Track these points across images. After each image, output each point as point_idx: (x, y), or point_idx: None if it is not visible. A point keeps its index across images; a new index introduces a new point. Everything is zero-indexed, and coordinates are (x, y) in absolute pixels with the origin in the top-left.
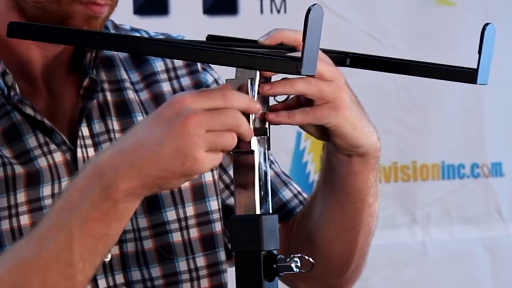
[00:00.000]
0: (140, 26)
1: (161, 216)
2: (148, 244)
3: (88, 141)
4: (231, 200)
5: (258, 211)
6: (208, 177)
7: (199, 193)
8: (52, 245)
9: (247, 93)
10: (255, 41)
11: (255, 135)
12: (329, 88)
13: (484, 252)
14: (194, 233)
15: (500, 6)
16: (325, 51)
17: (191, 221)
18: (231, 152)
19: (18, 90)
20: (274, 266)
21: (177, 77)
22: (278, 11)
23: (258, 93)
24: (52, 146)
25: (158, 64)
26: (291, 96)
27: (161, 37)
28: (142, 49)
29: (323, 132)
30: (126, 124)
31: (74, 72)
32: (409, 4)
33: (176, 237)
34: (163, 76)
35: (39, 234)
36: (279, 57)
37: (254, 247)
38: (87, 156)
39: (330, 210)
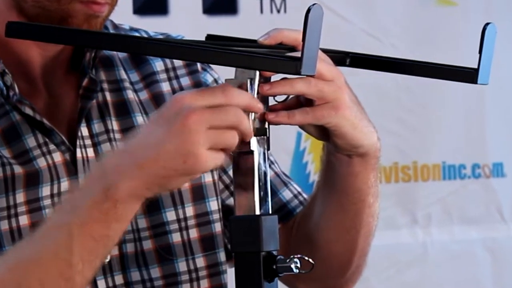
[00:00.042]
0: (140, 26)
1: (160, 217)
2: (148, 244)
3: (88, 141)
4: (231, 201)
5: (257, 212)
6: (207, 178)
7: (198, 193)
8: (51, 244)
9: None
10: (254, 41)
11: (254, 135)
12: (329, 88)
13: (485, 253)
14: (193, 233)
15: (501, 6)
16: (325, 51)
17: (191, 222)
18: (230, 153)
19: (17, 90)
20: (274, 267)
21: (177, 77)
22: (278, 11)
23: (258, 93)
24: (51, 146)
25: (158, 64)
26: (290, 96)
27: (161, 37)
28: (141, 49)
29: (323, 132)
30: (125, 124)
31: (73, 72)
32: (410, 3)
33: (176, 237)
34: (163, 76)
35: (40, 234)
36: (279, 57)
37: (254, 247)
38: (87, 156)
39: (330, 211)
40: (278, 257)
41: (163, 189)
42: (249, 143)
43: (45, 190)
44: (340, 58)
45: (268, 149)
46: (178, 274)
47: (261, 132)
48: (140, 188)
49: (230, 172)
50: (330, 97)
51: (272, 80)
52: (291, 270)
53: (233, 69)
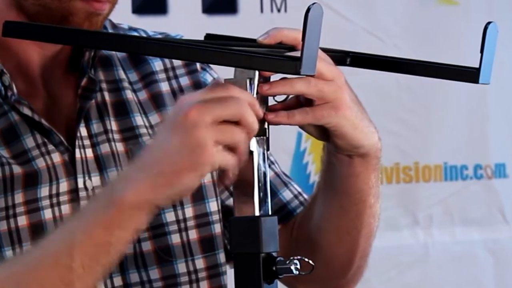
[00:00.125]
0: (139, 25)
1: (159, 218)
2: (147, 246)
3: (86, 142)
4: (230, 201)
5: (257, 213)
6: (207, 178)
7: (198, 194)
8: (53, 249)
9: None
10: (254, 40)
11: (254, 136)
12: (329, 88)
13: (487, 254)
14: (193, 234)
15: (503, 5)
16: (325, 50)
17: (190, 223)
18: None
19: (15, 90)
20: (274, 268)
21: (176, 77)
22: (279, 10)
23: (257, 93)
24: (50, 147)
25: (157, 64)
26: (290, 96)
27: (160, 36)
28: (140, 48)
29: (323, 133)
30: (124, 124)
31: (72, 71)
32: (411, 2)
33: (175, 238)
34: (162, 75)
35: (45, 239)
36: (278, 57)
37: (253, 249)
38: (85, 157)
39: (331, 212)
40: (278, 258)
41: (172, 191)
42: (248, 143)
43: (44, 191)
44: (341, 57)
45: (268, 149)
46: (178, 275)
47: (260, 133)
48: (147, 192)
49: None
50: (330, 97)
51: (271, 80)
52: (291, 271)
53: (233, 69)
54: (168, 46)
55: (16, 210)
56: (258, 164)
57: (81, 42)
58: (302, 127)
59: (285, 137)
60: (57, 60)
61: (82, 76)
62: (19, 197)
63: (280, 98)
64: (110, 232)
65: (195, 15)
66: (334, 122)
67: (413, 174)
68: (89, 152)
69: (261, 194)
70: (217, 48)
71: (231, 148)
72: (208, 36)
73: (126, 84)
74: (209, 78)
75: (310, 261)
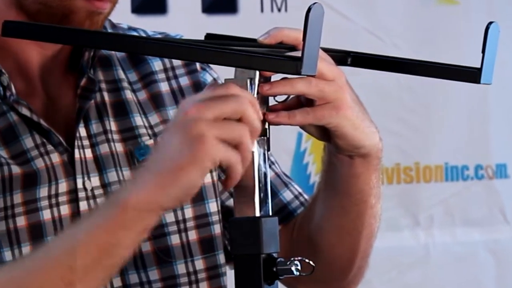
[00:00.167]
0: (138, 25)
1: (159, 219)
2: (146, 246)
3: (86, 142)
4: (230, 202)
5: (257, 213)
6: (207, 179)
7: (198, 195)
8: (56, 250)
9: None
10: (254, 40)
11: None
12: (330, 88)
13: (488, 255)
14: (192, 235)
15: (504, 5)
16: (326, 50)
17: (190, 224)
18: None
19: (14, 91)
20: (274, 269)
21: (176, 77)
22: (279, 10)
23: (258, 93)
24: (49, 147)
25: (156, 64)
26: (291, 96)
27: (159, 36)
28: (140, 48)
29: (324, 133)
30: (123, 124)
31: (71, 71)
32: (412, 2)
33: (175, 239)
34: (161, 75)
35: (48, 242)
36: (279, 57)
37: (254, 250)
38: (85, 157)
39: (331, 212)
40: (279, 259)
41: (176, 189)
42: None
43: (43, 191)
44: (341, 57)
45: (268, 150)
46: (177, 276)
47: (261, 133)
48: (151, 191)
49: None
50: (331, 97)
51: (272, 80)
52: (292, 272)
53: (233, 69)
54: (168, 46)
55: (15, 210)
56: (259, 165)
57: (80, 42)
58: (302, 127)
59: (285, 137)
60: (56, 60)
61: (81, 76)
62: (18, 198)
63: (281, 98)
64: (114, 233)
65: (195, 15)
66: (335, 123)
67: (414, 174)
68: (88, 153)
69: (262, 194)
70: (217, 48)
71: (234, 146)
72: (208, 36)
73: (125, 84)
74: (209, 78)
75: (311, 262)
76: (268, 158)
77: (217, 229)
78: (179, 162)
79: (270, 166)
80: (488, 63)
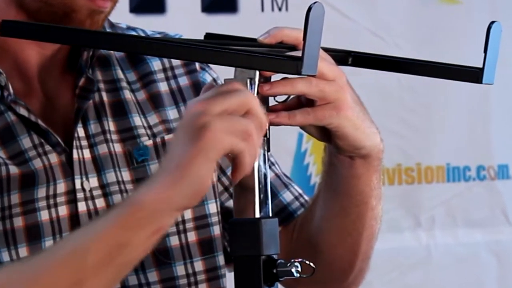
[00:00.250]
0: (137, 24)
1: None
2: None
3: (84, 142)
4: (230, 203)
5: (257, 215)
6: None
7: None
8: (66, 247)
9: None
10: (254, 40)
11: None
12: (330, 88)
13: (490, 256)
14: (192, 236)
15: (506, 4)
16: (327, 50)
17: (189, 225)
18: (229, 154)
19: (11, 90)
20: (274, 271)
21: (175, 77)
22: (280, 9)
23: (258, 93)
24: (47, 147)
25: (155, 64)
26: (291, 96)
27: (158, 36)
28: (139, 48)
29: (325, 133)
30: (122, 125)
31: (69, 71)
32: (413, 2)
33: (174, 241)
34: (160, 75)
35: (59, 240)
36: (279, 57)
37: (254, 251)
38: (83, 158)
39: (332, 213)
40: (279, 261)
41: (188, 185)
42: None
43: (41, 192)
44: (342, 57)
45: (268, 150)
46: (176, 278)
47: None
48: (164, 189)
49: (229, 174)
50: (332, 97)
51: (272, 80)
52: (292, 274)
53: (232, 68)
54: (168, 46)
55: (12, 211)
56: (259, 165)
57: (80, 41)
58: (303, 127)
59: (286, 138)
60: (55, 59)
61: (80, 76)
62: (15, 198)
63: (281, 98)
64: (126, 232)
65: (194, 14)
66: (336, 123)
67: (415, 175)
68: (87, 153)
69: (262, 195)
70: (217, 48)
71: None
72: (208, 36)
73: (124, 84)
74: (208, 78)
75: (311, 264)
76: (268, 159)
77: (216, 230)
78: (186, 157)
79: (270, 167)
80: (490, 63)
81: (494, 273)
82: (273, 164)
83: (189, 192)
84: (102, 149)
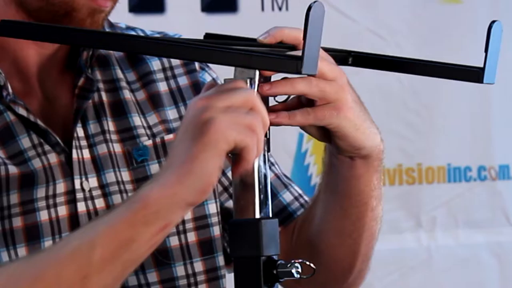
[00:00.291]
0: (136, 24)
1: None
2: None
3: (83, 142)
4: (229, 203)
5: (257, 215)
6: None
7: None
8: (74, 242)
9: None
10: (254, 40)
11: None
12: (330, 88)
13: (492, 258)
14: (192, 237)
15: (508, 4)
16: (327, 50)
17: (189, 225)
18: (229, 154)
19: (10, 90)
20: (274, 271)
21: (174, 76)
22: (280, 8)
23: (258, 93)
24: (47, 147)
25: (155, 63)
26: (291, 97)
27: (158, 36)
28: (140, 48)
29: (325, 134)
30: (121, 125)
31: (68, 71)
32: (414, 1)
33: (174, 241)
34: (160, 75)
35: (67, 235)
36: (279, 56)
37: (254, 252)
38: (82, 158)
39: (331, 214)
40: (279, 261)
41: (195, 180)
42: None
43: (40, 192)
44: (342, 57)
45: (269, 150)
46: (176, 278)
47: None
48: (171, 184)
49: (229, 174)
50: (332, 97)
51: (272, 80)
52: (292, 275)
53: (232, 69)
54: (168, 45)
55: (11, 211)
56: (259, 166)
57: (79, 41)
58: (303, 128)
59: (286, 138)
60: (54, 59)
61: (79, 75)
62: (14, 198)
63: (281, 98)
64: (134, 228)
65: (194, 14)
66: (336, 123)
67: (416, 176)
68: (86, 153)
69: (262, 196)
70: (217, 47)
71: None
72: (208, 36)
73: (123, 84)
74: (208, 78)
75: (312, 264)
76: (268, 159)
77: (216, 230)
78: (192, 152)
79: (270, 167)
80: (491, 63)
81: (495, 275)
82: (272, 164)
83: (196, 188)
84: (102, 149)
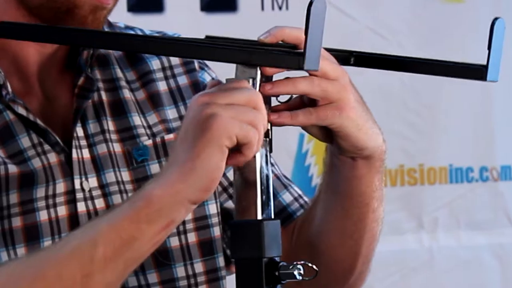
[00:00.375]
0: (135, 24)
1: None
2: None
3: (83, 142)
4: (229, 204)
5: (259, 216)
6: None
7: None
8: (77, 239)
9: None
10: (255, 41)
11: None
12: (333, 87)
13: (493, 259)
14: (192, 237)
15: (510, 2)
16: (328, 50)
17: (189, 226)
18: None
19: (10, 89)
20: (276, 273)
21: (174, 76)
22: (280, 8)
23: (260, 93)
24: (46, 147)
25: (154, 63)
26: (293, 97)
27: (157, 35)
28: (139, 47)
29: (327, 134)
30: (121, 124)
31: (68, 70)
32: (416, 0)
33: (174, 242)
34: (159, 74)
35: (69, 234)
36: (280, 52)
37: (255, 254)
38: (82, 157)
39: (332, 215)
40: (281, 263)
41: (198, 178)
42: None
43: (40, 191)
44: (344, 57)
45: (271, 151)
46: (176, 279)
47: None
48: (174, 182)
49: (229, 174)
50: (334, 97)
51: (274, 80)
52: (294, 277)
53: (233, 69)
54: (169, 44)
55: (11, 211)
56: (261, 167)
57: (79, 42)
58: (305, 128)
59: (287, 138)
60: (54, 58)
61: (79, 75)
62: (14, 198)
63: (283, 99)
64: (137, 226)
65: (193, 13)
66: (338, 123)
67: (418, 176)
68: (86, 153)
69: (264, 197)
70: (217, 45)
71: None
72: (208, 38)
73: (123, 83)
74: (207, 78)
75: (314, 266)
76: (270, 160)
77: (216, 231)
78: (195, 149)
79: None
80: (494, 60)
81: (497, 277)
82: (272, 165)
83: (199, 186)
84: (101, 149)
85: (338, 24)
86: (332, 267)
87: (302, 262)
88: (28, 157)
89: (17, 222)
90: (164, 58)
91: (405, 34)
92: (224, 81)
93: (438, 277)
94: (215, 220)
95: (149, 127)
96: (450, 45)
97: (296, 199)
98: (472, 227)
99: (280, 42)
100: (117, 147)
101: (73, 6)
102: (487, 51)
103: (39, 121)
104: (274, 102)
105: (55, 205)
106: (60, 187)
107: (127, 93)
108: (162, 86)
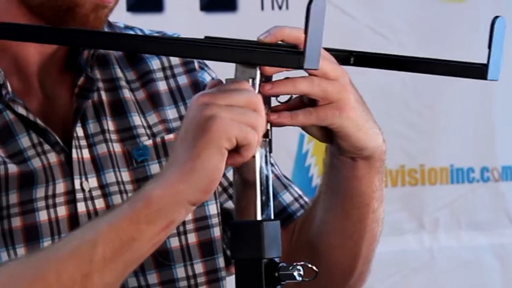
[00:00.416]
0: (134, 23)
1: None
2: None
3: (83, 142)
4: (229, 204)
5: (259, 217)
6: None
7: None
8: (77, 239)
9: None
10: (255, 41)
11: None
12: (333, 87)
13: (494, 260)
14: (192, 238)
15: (510, 2)
16: (329, 50)
17: (189, 226)
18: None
19: (9, 89)
20: (276, 274)
21: (174, 76)
22: (280, 7)
23: (259, 93)
24: (46, 147)
25: (154, 62)
26: (293, 97)
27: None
28: (138, 47)
29: (327, 134)
30: (121, 124)
31: (68, 70)
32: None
33: (174, 242)
34: (159, 74)
35: (68, 234)
36: (280, 51)
37: (255, 254)
38: (82, 157)
39: (332, 215)
40: (281, 264)
41: (198, 179)
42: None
43: (40, 192)
44: (344, 57)
45: (271, 151)
46: (176, 280)
47: (263, 134)
48: (174, 183)
49: (228, 174)
50: (334, 97)
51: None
52: (294, 278)
53: (233, 68)
54: (168, 43)
55: (10, 211)
56: (260, 167)
57: (78, 42)
58: (305, 128)
59: (287, 138)
60: (54, 58)
61: (79, 75)
62: (13, 198)
63: (283, 99)
64: (136, 226)
65: (193, 13)
66: (338, 123)
67: (419, 177)
68: (86, 153)
69: (263, 197)
70: (217, 44)
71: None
72: (207, 39)
73: (123, 83)
74: (207, 78)
75: (314, 267)
76: (270, 161)
77: (216, 232)
78: (194, 149)
79: None
80: (494, 59)
81: (498, 277)
82: (272, 165)
83: (199, 186)
84: (101, 149)
85: (338, 23)
86: (332, 267)
87: (302, 263)
88: (28, 157)
89: (16, 222)
90: (164, 58)
91: (405, 33)
92: (224, 81)
93: (439, 278)
94: (215, 220)
95: (149, 127)
96: (450, 44)
97: (296, 199)
98: (473, 227)
99: (280, 42)
100: (117, 147)
101: (74, 5)
102: (487, 50)
103: (39, 121)
104: (274, 102)
105: (55, 205)
106: (60, 187)
107: (127, 93)
108: (162, 86)
